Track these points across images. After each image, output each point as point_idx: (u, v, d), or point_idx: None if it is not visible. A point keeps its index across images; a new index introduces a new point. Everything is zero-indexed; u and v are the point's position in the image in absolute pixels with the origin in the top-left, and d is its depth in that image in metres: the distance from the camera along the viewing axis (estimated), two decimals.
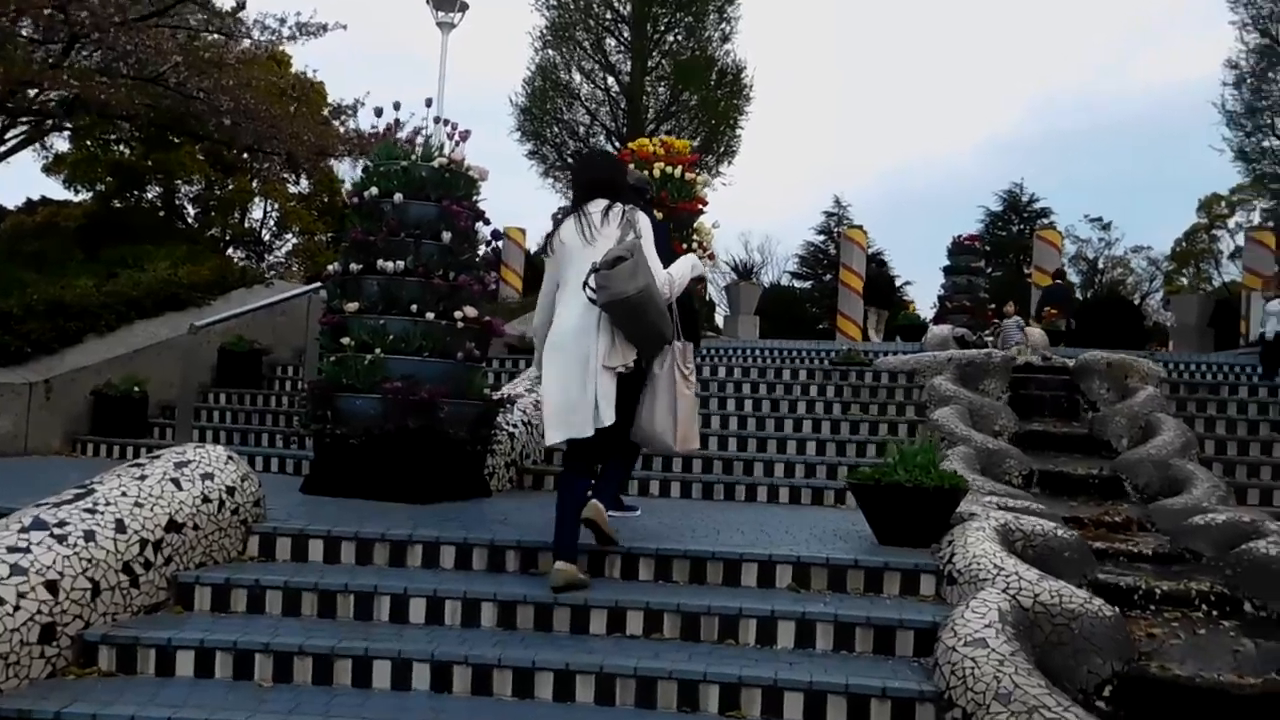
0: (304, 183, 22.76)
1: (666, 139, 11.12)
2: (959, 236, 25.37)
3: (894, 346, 16.34)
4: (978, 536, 4.60)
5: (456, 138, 6.66)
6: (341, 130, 17.24)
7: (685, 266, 4.49)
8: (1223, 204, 45.65)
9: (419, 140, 6.70)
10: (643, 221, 4.37)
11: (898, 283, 28.55)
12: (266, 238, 24.76)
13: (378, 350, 6.23)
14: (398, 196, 6.44)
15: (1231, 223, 45.48)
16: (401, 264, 6.37)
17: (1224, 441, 8.09)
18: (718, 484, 7.26)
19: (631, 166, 6.94)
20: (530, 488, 7.27)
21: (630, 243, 4.21)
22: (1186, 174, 58.57)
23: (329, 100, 19.28)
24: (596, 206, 4.43)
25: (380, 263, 6.37)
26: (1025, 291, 21.19)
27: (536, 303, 4.70)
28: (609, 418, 4.20)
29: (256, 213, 24.16)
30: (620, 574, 4.67)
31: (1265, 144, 24.98)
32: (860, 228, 20.47)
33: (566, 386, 4.26)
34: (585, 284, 4.22)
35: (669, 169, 10.14)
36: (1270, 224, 24.93)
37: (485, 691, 3.81)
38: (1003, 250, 38.10)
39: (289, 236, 25.00)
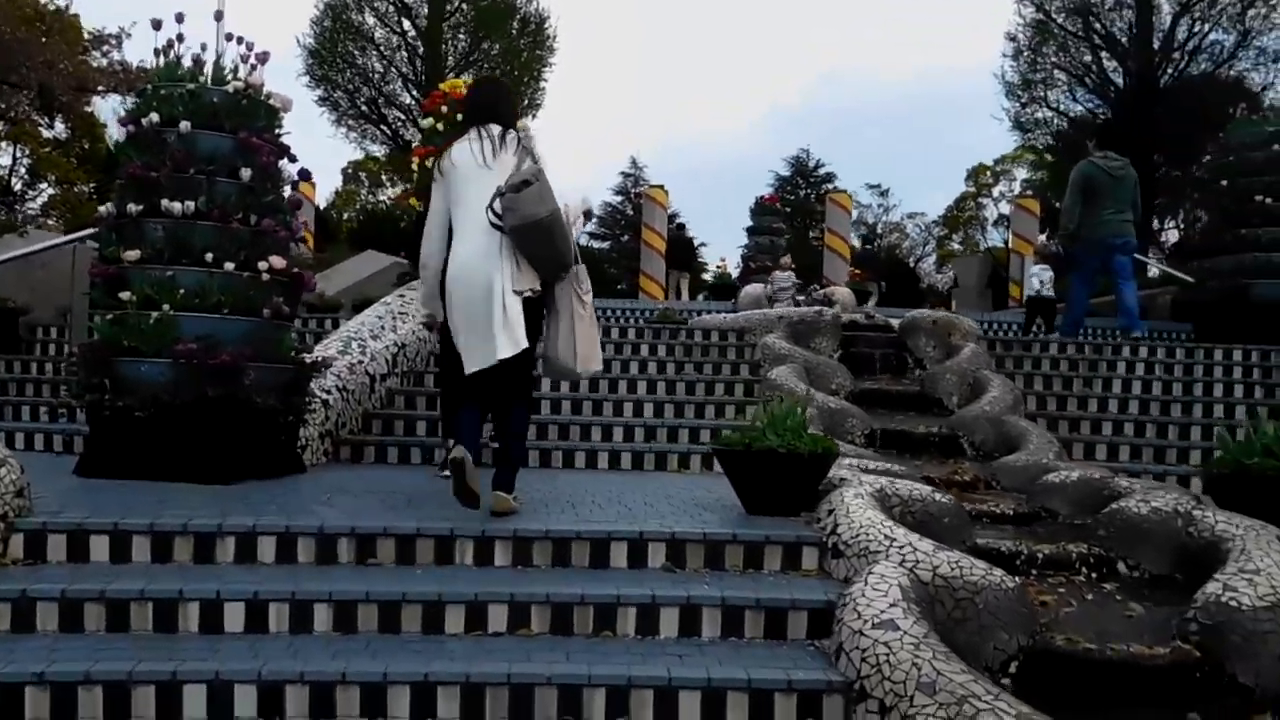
0: (60, 126, 20.34)
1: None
2: (761, 197, 25.74)
3: (707, 306, 16.28)
4: (858, 504, 4.30)
5: (253, 60, 5.76)
6: (104, 63, 15.35)
7: (576, 199, 4.52)
8: (988, 174, 48.82)
9: (207, 60, 5.75)
10: (539, 149, 4.39)
11: (696, 244, 28.82)
12: (17, 187, 22.05)
13: (166, 307, 5.31)
14: (184, 125, 5.49)
15: (996, 191, 48.74)
16: (192, 205, 5.44)
17: (1043, 397, 8.27)
18: (555, 450, 6.74)
19: None
20: (349, 460, 6.52)
21: (534, 168, 4.21)
22: (969, 143, 62.31)
23: (87, 32, 17.14)
24: (492, 131, 4.39)
25: (165, 203, 5.43)
26: (812, 253, 21.83)
27: (425, 230, 4.54)
28: (522, 341, 4.16)
29: (4, 159, 21.46)
30: (474, 560, 4.08)
31: (1039, 115, 26.50)
32: (661, 187, 20.28)
33: (473, 315, 4.21)
34: (489, 208, 4.15)
35: None
36: (1029, 192, 26.55)
37: (327, 714, 3.18)
38: (791, 213, 39.17)
39: (44, 187, 22.37)
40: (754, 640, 3.71)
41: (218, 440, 5.18)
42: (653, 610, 3.71)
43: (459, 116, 10.14)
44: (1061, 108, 26.13)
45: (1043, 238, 19.82)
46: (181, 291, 5.37)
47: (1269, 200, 9.79)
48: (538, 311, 4.41)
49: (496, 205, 4.15)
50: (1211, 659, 3.49)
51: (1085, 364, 8.99)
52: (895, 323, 9.54)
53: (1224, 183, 10.21)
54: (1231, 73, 24.03)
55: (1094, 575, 4.32)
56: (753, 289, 15.31)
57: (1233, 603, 3.56)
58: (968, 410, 7.28)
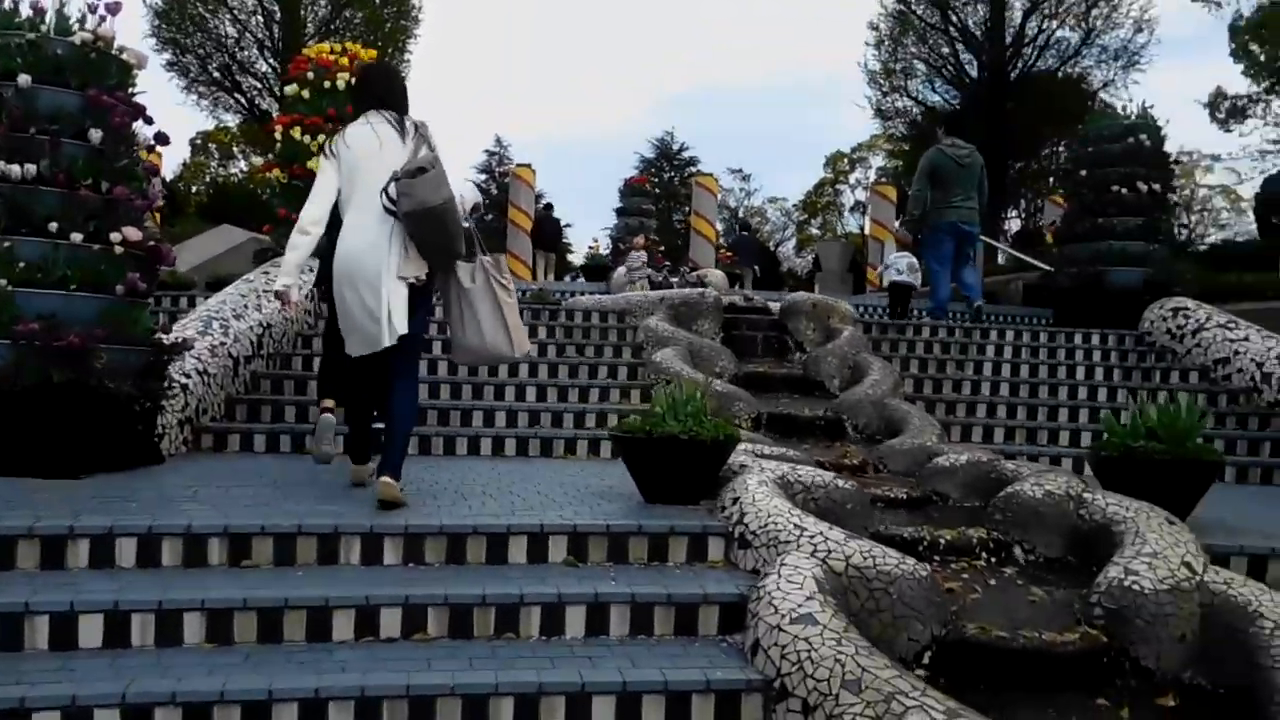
0: None
1: (351, 46, 9.81)
2: (630, 178, 25.62)
3: (580, 287, 16.08)
4: (763, 492, 4.20)
5: (102, 10, 5.23)
6: None
7: (469, 189, 4.56)
8: (845, 160, 50.14)
9: (48, 7, 5.19)
10: (435, 139, 4.36)
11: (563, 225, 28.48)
12: None
13: (3, 282, 4.78)
14: (23, 79, 4.94)
15: (853, 178, 50.11)
16: (33, 169, 4.91)
17: (919, 380, 8.40)
18: (435, 436, 6.44)
19: None
20: (211, 449, 6.05)
21: (431, 156, 4.20)
22: (831, 130, 63.73)
23: None
24: (390, 116, 4.40)
25: (2, 166, 4.88)
26: (676, 235, 21.89)
27: (310, 198, 4.36)
28: (402, 328, 4.15)
29: None
30: (361, 559, 3.79)
31: (899, 103, 27.23)
32: (528, 166, 19.90)
33: (359, 299, 4.18)
34: (384, 191, 4.15)
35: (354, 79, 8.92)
36: (885, 179, 27.31)
37: None
38: (657, 196, 39.29)
39: None
40: (664, 638, 3.56)
41: (66, 429, 4.69)
42: (558, 609, 3.51)
43: (325, 85, 9.60)
44: (920, 97, 26.91)
45: (896, 224, 20.44)
46: (21, 265, 4.84)
47: (1125, 191, 10.19)
48: (424, 299, 4.39)
49: (392, 190, 4.12)
50: (1116, 643, 3.52)
51: (956, 346, 9.19)
52: (774, 306, 9.54)
53: (1083, 173, 10.59)
54: (1075, 70, 25.21)
55: (993, 560, 4.33)
56: (624, 271, 15.17)
57: (1135, 586, 3.60)
58: (851, 393, 7.31)
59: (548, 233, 19.87)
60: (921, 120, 26.36)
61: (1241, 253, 14.79)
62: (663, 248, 22.56)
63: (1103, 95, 24.32)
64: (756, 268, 17.31)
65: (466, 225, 4.30)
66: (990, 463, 5.39)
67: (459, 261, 4.34)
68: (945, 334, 9.59)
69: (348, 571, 3.70)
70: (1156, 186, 10.32)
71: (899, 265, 11.60)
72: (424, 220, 4.09)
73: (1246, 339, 8.45)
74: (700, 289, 9.07)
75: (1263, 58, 17.97)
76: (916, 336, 9.48)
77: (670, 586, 3.66)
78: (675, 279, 14.64)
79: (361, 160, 4.26)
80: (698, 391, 4.77)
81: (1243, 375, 8.25)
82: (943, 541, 4.30)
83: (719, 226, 28.53)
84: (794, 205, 52.07)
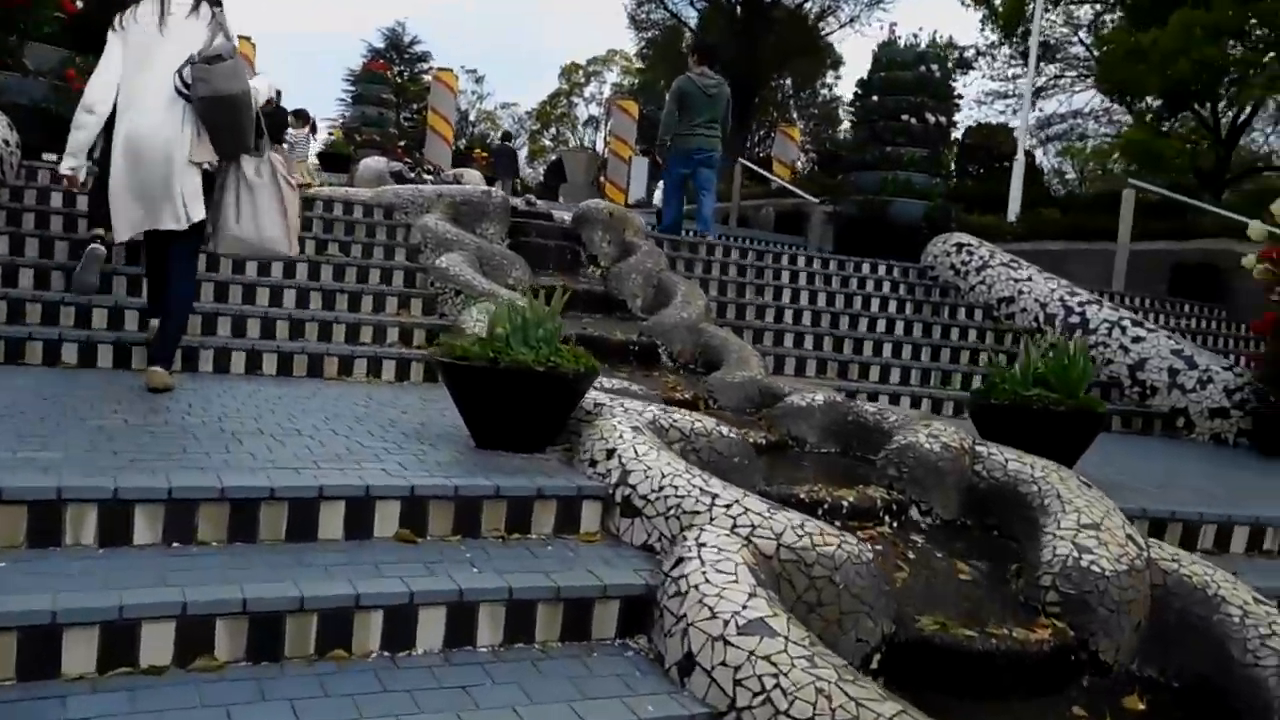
0: None
1: None
2: (366, 63, 23.51)
3: (325, 177, 14.32)
4: (641, 442, 3.33)
5: None
6: None
7: (263, 82, 4.42)
8: (580, 73, 49.32)
9: None
10: (232, 28, 4.20)
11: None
12: None
13: None
14: None
15: (587, 92, 49.46)
16: None
17: (722, 305, 7.78)
18: (204, 349, 4.95)
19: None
20: None
21: (228, 45, 4.09)
22: (571, 40, 62.15)
23: None
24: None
25: None
26: (405, 132, 20.51)
27: (95, 74, 4.16)
28: (198, 213, 4.11)
29: None
30: (99, 540, 2.57)
31: (655, 15, 26.55)
32: (450, 70, 19.26)
33: (146, 181, 4.04)
34: (179, 73, 4.02)
35: None
36: (624, 94, 26.83)
37: None
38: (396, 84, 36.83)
39: None
40: (550, 646, 2.64)
41: None
42: (408, 614, 2.50)
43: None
44: (676, 10, 26.40)
45: (640, 148, 19.99)
46: None
47: (914, 121, 10.03)
48: (210, 186, 4.23)
49: (186, 73, 4.02)
50: (1076, 636, 2.99)
51: (752, 270, 8.68)
52: (559, 213, 8.60)
53: (875, 98, 10.32)
54: (827, 3, 25.58)
55: (894, 523, 3.72)
56: (374, 163, 13.54)
57: (1095, 568, 3.08)
58: (664, 316, 6.55)
59: (504, 162, 18.58)
60: (659, 40, 25.86)
61: (969, 196, 15.47)
62: (403, 142, 20.81)
63: (849, 30, 24.86)
64: (516, 181, 16.21)
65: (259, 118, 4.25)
66: (847, 404, 4.82)
67: (246, 155, 4.23)
68: (739, 256, 9.07)
69: (79, 559, 2.48)
70: (943, 119, 10.23)
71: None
72: (217, 108, 4.02)
73: (1030, 279, 8.49)
74: (484, 187, 7.93)
75: (1000, 6, 18.69)
76: (711, 257, 8.87)
77: (553, 575, 2.73)
78: (431, 177, 13.29)
79: (144, 40, 4.10)
80: (547, 318, 3.79)
81: (1026, 315, 8.28)
82: (845, 504, 3.62)
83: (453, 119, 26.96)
84: (527, 113, 50.73)
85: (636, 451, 3.25)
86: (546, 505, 3.12)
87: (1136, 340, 7.43)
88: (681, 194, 9.88)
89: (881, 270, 9.33)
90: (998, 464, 3.89)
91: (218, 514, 2.69)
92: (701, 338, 6.45)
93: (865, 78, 10.63)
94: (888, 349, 7.52)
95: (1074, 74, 22.24)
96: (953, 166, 10.77)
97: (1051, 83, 22.39)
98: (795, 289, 8.38)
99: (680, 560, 2.74)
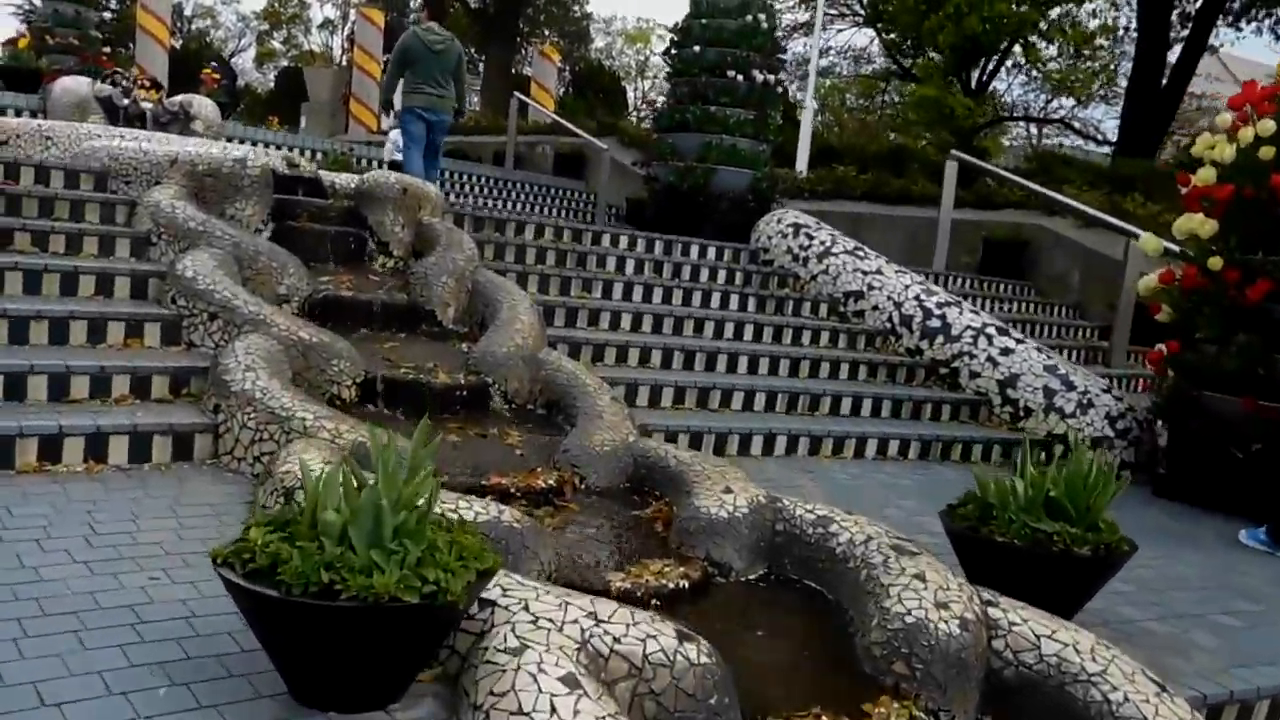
0: None
1: None
2: None
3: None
4: (581, 705, 1.99)
5: None
6: None
7: None
8: None
9: None
10: None
11: None
12: None
13: None
14: None
15: None
16: None
17: (548, 309, 6.35)
18: None
19: None
20: None
21: None
22: None
23: None
24: None
25: None
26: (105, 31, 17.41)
27: None
28: None
29: None
30: None
31: None
32: (377, 5, 15.33)
33: None
34: None
35: None
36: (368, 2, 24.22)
37: None
38: None
39: None
40: None
41: None
42: None
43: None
44: None
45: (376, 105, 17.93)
46: None
47: (740, 78, 8.87)
48: None
49: None
50: None
51: (573, 257, 7.31)
52: (331, 179, 6.82)
53: (696, 49, 9.05)
54: None
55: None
56: (73, 84, 10.87)
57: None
58: (494, 343, 5.11)
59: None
60: None
61: None
62: (107, 49, 17.46)
63: None
64: (240, 106, 13.71)
65: None
66: (773, 506, 3.65)
67: None
68: (553, 235, 7.68)
69: None
70: (770, 77, 9.14)
71: (399, 142, 9.87)
72: None
73: (879, 272, 7.63)
74: (236, 155, 6.02)
75: None
76: (520, 239, 7.43)
77: None
78: (150, 105, 10.79)
79: None
80: (423, 481, 2.29)
81: (879, 315, 7.41)
82: None
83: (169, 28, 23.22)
84: (254, 13, 45.76)
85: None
86: None
87: (1005, 352, 6.71)
88: (418, 148, 8.59)
89: (711, 254, 8.24)
90: (1025, 641, 2.85)
91: None
92: (542, 370, 5.08)
93: (682, 23, 9.33)
94: (743, 363, 6.40)
95: (834, 12, 21.95)
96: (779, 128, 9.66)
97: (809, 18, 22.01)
98: (624, 282, 7.10)
99: None
